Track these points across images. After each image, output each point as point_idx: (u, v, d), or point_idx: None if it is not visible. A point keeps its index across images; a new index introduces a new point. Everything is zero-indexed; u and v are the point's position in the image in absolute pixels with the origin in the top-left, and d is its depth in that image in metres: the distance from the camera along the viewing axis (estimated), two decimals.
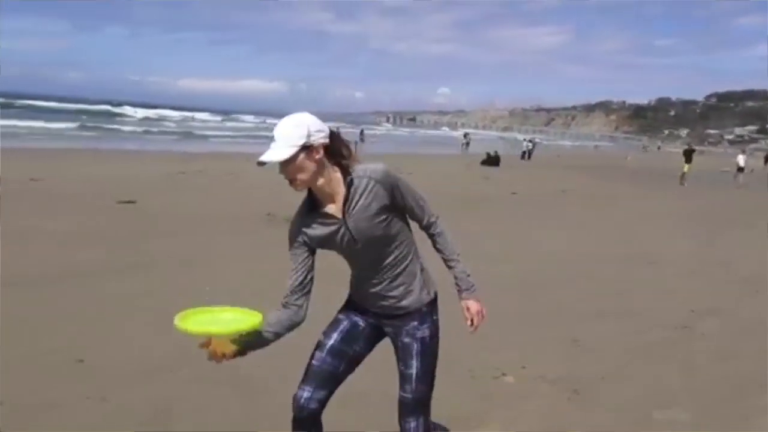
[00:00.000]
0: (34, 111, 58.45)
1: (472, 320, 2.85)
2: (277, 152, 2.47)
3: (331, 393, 2.76)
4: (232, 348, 2.55)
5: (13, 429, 3.56)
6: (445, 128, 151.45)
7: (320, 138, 2.53)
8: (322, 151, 2.53)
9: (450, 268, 2.82)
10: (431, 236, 2.78)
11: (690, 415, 4.16)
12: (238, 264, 7.82)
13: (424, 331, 2.76)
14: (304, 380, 2.75)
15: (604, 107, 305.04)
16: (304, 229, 2.64)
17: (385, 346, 2.87)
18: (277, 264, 8.05)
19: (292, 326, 2.68)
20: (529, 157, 42.07)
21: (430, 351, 2.78)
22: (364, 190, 2.56)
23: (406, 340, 2.75)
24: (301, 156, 2.49)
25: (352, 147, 2.70)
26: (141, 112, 78.00)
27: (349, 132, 60.64)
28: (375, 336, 2.84)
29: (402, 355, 2.77)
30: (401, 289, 2.73)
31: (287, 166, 2.49)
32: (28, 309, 5.66)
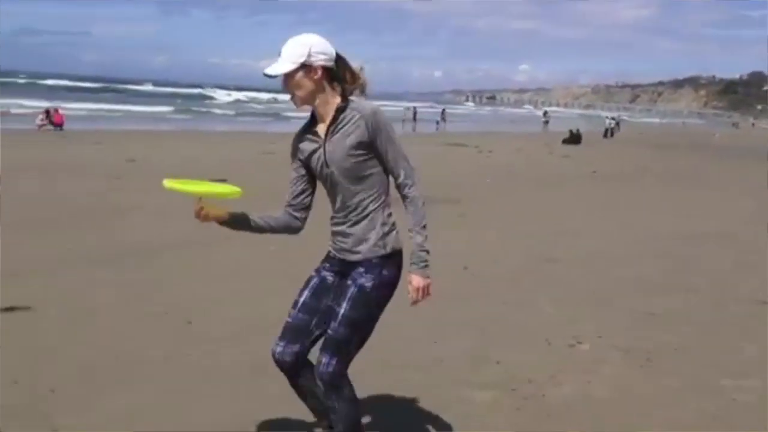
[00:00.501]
0: (130, 95, 61.02)
1: (416, 296, 2.80)
2: (278, 66, 2.70)
3: (304, 346, 2.87)
4: (220, 214, 2.82)
5: (126, 382, 4.05)
6: (528, 106, 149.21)
7: (321, 60, 2.70)
8: (320, 72, 2.70)
9: (411, 237, 2.79)
10: (403, 198, 2.79)
11: (761, 382, 4.29)
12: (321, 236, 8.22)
13: (366, 280, 2.77)
14: (279, 336, 2.90)
15: (693, 82, 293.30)
16: (298, 144, 2.86)
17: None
18: None
19: (287, 229, 2.94)
20: (612, 135, 41.22)
21: (364, 301, 2.77)
22: (349, 121, 2.71)
23: (348, 282, 2.80)
24: (300, 73, 2.69)
25: (362, 75, 2.82)
26: (228, 94, 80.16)
27: (430, 111, 60.80)
28: (343, 288, 2.86)
29: (338, 293, 2.84)
30: (359, 234, 2.79)
31: (288, 81, 2.71)
32: (140, 277, 6.22)
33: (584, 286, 6.47)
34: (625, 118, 74.50)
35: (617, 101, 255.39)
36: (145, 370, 4.18)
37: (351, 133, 2.70)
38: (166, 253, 7.08)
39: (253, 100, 75.65)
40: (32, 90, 54.53)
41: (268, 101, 72.19)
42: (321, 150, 2.76)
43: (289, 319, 2.90)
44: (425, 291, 2.79)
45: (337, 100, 2.76)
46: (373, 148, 2.72)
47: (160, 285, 5.97)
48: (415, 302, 2.80)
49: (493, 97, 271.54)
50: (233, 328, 4.96)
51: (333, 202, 2.85)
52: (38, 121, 25.78)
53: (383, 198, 2.81)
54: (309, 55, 2.68)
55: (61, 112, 27.02)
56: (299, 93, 2.73)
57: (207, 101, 68.51)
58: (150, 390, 3.90)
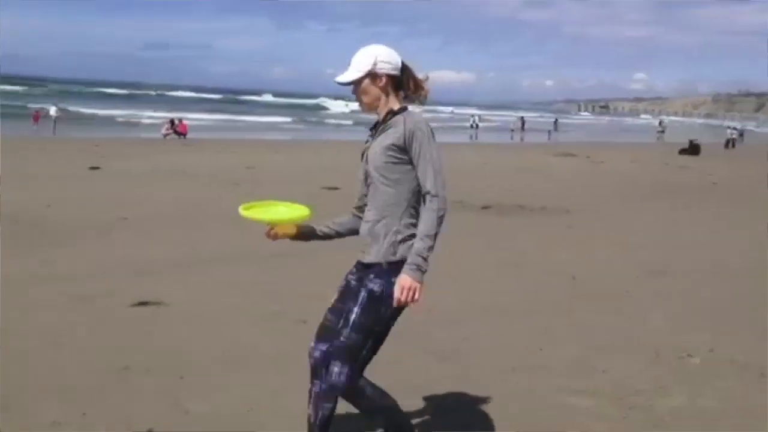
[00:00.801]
0: (251, 105, 63.64)
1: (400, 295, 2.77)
2: (347, 74, 2.91)
3: (333, 346, 2.91)
4: (288, 232, 3.08)
5: (246, 373, 4.34)
6: (646, 116, 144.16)
7: (386, 68, 2.90)
8: (385, 80, 2.90)
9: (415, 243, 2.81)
10: (424, 205, 2.85)
11: None
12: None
13: (375, 284, 2.84)
14: (314, 334, 3.04)
15: None
16: (365, 143, 3.03)
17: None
18: (465, 246, 8.55)
19: (353, 232, 3.09)
20: (734, 145, 39.34)
21: (374, 307, 2.83)
22: (392, 126, 2.87)
23: (360, 286, 2.90)
24: (367, 81, 2.90)
25: (427, 85, 2.98)
26: (345, 105, 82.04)
27: (542, 121, 60.00)
28: (357, 292, 2.93)
29: (348, 296, 2.95)
30: (374, 235, 2.89)
31: (356, 88, 2.92)
32: (258, 278, 6.58)
33: (697, 298, 6.32)
34: (750, 128, 70.76)
35: (740, 110, 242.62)
36: (264, 363, 4.47)
37: (390, 136, 2.86)
38: (280, 258, 7.43)
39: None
40: (160, 101, 57.88)
41: None
42: (367, 146, 2.98)
43: (322, 320, 3.06)
44: (411, 292, 2.75)
45: (396, 106, 2.94)
46: (405, 151, 2.84)
47: (276, 286, 6.30)
48: (398, 302, 2.78)
49: (606, 107, 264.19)
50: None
51: (366, 197, 3.01)
52: (164, 131, 27.37)
53: (405, 206, 2.87)
54: (375, 64, 2.89)
55: (185, 122, 28.53)
56: (365, 99, 2.94)
57: (323, 111, 70.34)
58: (268, 380, 4.18)
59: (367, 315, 2.84)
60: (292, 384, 4.11)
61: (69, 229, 8.39)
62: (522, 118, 53.27)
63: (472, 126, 49.06)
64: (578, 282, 6.73)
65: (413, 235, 2.84)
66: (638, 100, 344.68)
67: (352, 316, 2.85)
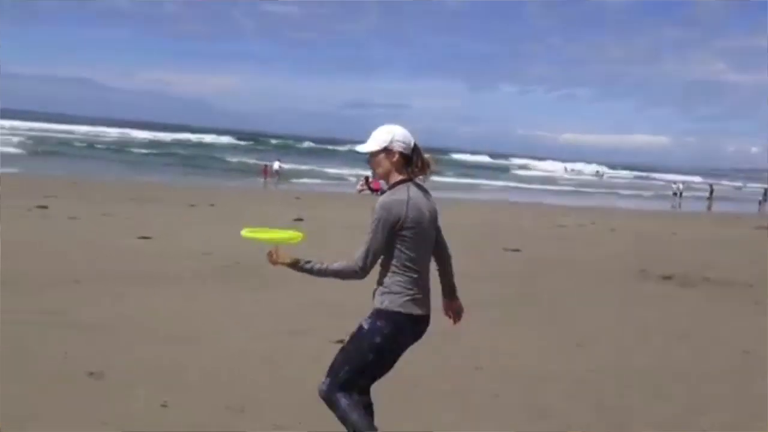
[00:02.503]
0: (441, 164, 65.95)
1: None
2: (366, 145, 3.47)
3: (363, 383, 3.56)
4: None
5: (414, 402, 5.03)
6: None
7: (400, 147, 3.42)
8: (397, 156, 3.42)
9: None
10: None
11: None
12: (604, 308, 8.72)
13: (365, 323, 3.47)
14: None
15: None
16: None
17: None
18: (646, 312, 8.76)
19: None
20: None
21: (358, 338, 3.46)
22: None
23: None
24: (382, 155, 3.44)
25: (433, 166, 3.51)
26: (536, 164, 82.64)
27: (746, 191, 56.00)
28: None
29: None
30: (377, 285, 3.49)
31: (371, 159, 3.47)
32: (465, 328, 7.28)
33: None
34: None
35: None
36: (442, 397, 5.16)
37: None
38: (470, 309, 8.09)
39: (549, 170, 77.05)
40: (357, 158, 61.06)
41: (559, 174, 72.78)
42: None
43: None
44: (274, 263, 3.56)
45: (397, 179, 3.46)
46: None
47: (457, 335, 6.94)
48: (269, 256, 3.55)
49: None
50: (515, 374, 5.79)
51: None
52: (359, 187, 29.30)
53: (392, 266, 3.43)
54: (391, 141, 3.43)
55: (378, 180, 30.37)
56: (379, 170, 3.50)
57: (512, 172, 70.87)
58: (447, 413, 4.87)
59: (352, 343, 3.50)
60: (472, 415, 4.76)
61: (278, 272, 9.59)
62: (711, 185, 50.44)
63: (675, 194, 46.80)
64: (750, 356, 6.80)
65: (399, 291, 3.42)
66: None
67: (344, 344, 3.55)
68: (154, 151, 51.94)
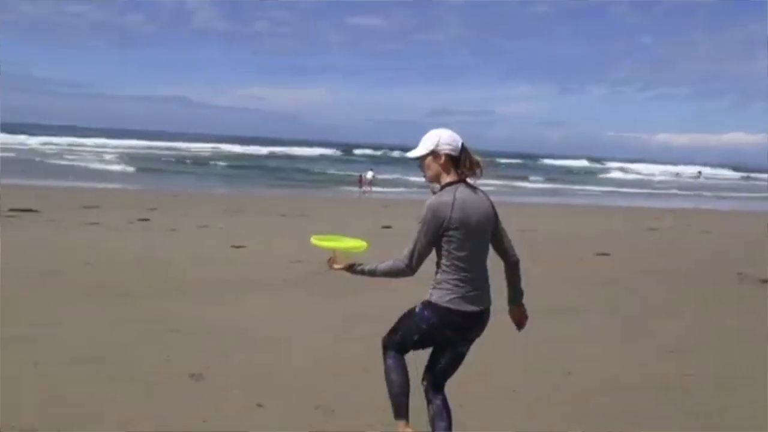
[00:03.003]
0: (516, 169, 65.26)
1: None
2: (415, 151, 3.60)
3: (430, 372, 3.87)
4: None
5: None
6: None
7: (446, 149, 3.53)
8: (443, 158, 3.53)
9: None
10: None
11: None
12: (698, 313, 8.48)
13: (418, 307, 3.66)
14: None
15: None
16: None
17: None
18: (743, 317, 8.51)
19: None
20: None
21: (410, 315, 3.70)
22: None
23: None
24: (429, 158, 3.56)
25: (481, 164, 3.58)
26: (621, 168, 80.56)
27: None
28: None
29: None
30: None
31: (421, 163, 3.60)
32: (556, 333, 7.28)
33: None
34: None
35: None
36: (533, 403, 5.20)
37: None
38: (560, 315, 8.06)
39: (642, 172, 74.86)
40: None
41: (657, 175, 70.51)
42: None
43: None
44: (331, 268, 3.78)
45: (447, 180, 3.57)
46: None
47: (548, 341, 6.95)
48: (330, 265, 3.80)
49: None
50: (604, 380, 5.76)
51: None
52: None
53: (443, 265, 3.58)
54: (437, 145, 3.55)
55: None
56: (428, 173, 3.62)
57: (599, 176, 69.34)
58: (536, 420, 4.90)
59: (405, 317, 3.76)
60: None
61: (365, 279, 9.81)
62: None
63: None
64: None
65: (445, 287, 3.57)
66: None
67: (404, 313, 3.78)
68: (247, 164, 53.57)
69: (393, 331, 3.81)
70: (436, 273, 3.62)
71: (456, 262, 3.55)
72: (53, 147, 57.75)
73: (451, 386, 5.29)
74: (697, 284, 10.59)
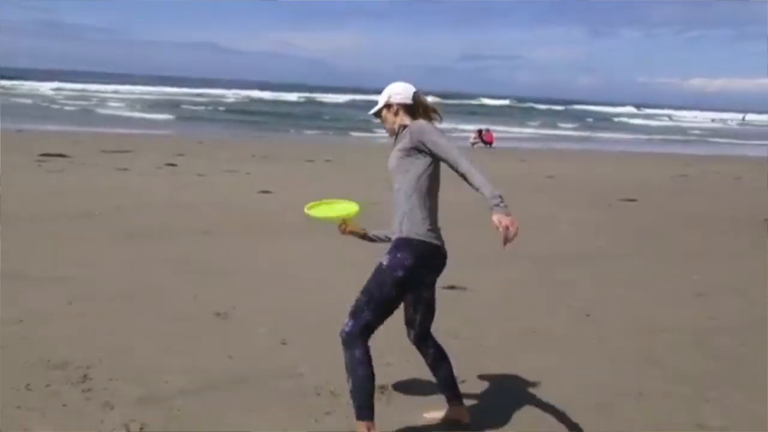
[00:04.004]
0: (544, 115, 64.26)
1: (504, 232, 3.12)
2: (372, 109, 3.67)
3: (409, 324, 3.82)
4: (356, 230, 3.88)
5: (535, 350, 5.14)
6: None
7: (398, 99, 3.57)
8: (396, 107, 3.57)
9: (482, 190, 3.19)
10: (463, 177, 3.24)
11: None
12: (725, 259, 8.44)
13: (384, 259, 3.42)
14: None
15: None
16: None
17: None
18: (765, 263, 8.45)
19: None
20: None
21: (378, 275, 3.38)
22: (403, 137, 3.47)
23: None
24: (384, 111, 3.62)
25: (436, 108, 3.58)
26: (651, 113, 79.00)
27: None
28: None
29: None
30: (395, 216, 3.48)
31: (380, 119, 3.65)
32: (558, 277, 7.32)
33: None
34: None
35: None
36: (551, 343, 5.27)
37: (401, 142, 3.48)
38: (586, 260, 8.08)
39: (680, 119, 73.46)
40: (471, 112, 60.74)
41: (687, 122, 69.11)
42: (389, 157, 3.58)
43: None
44: (511, 226, 3.08)
45: (407, 121, 3.55)
46: (417, 150, 3.39)
47: (573, 285, 7.00)
48: (506, 240, 3.09)
49: None
50: (627, 323, 5.79)
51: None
52: (472, 140, 29.10)
53: (412, 192, 3.42)
54: (390, 97, 3.61)
55: (492, 132, 30.04)
56: (386, 125, 3.66)
57: (615, 119, 68.12)
58: (553, 356, 4.97)
59: (372, 281, 3.40)
60: (577, 360, 4.86)
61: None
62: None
63: None
64: None
65: (419, 216, 3.41)
66: None
67: (365, 283, 3.43)
68: (275, 111, 53.50)
69: (357, 311, 3.40)
70: (407, 199, 3.43)
71: (426, 193, 3.45)
72: (82, 93, 58.04)
73: (470, 329, 5.40)
74: (725, 230, 10.51)
